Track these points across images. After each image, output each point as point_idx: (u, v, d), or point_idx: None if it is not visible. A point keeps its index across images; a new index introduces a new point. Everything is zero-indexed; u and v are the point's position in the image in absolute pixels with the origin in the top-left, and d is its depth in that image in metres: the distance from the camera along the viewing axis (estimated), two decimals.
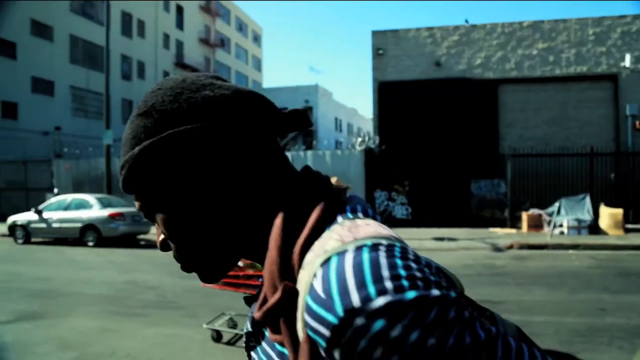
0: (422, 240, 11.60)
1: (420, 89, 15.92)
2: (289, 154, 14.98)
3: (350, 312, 0.44)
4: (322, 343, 0.47)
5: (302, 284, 0.50)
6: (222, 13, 47.94)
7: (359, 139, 15.06)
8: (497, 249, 10.81)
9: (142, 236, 12.91)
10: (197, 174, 0.58)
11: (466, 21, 16.77)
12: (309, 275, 0.49)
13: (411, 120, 15.79)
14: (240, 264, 4.22)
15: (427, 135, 15.50)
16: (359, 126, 62.02)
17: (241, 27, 53.66)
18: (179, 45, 41.10)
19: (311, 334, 0.48)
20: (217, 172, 0.59)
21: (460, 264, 8.58)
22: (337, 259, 0.48)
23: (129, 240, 12.37)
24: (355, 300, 0.44)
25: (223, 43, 47.98)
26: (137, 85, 36.03)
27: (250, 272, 4.38)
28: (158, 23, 38.25)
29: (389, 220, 14.82)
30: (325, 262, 0.49)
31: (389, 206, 14.95)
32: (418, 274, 0.46)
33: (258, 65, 58.85)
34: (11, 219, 12.74)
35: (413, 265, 0.47)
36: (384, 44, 16.41)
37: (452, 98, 15.71)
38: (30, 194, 17.55)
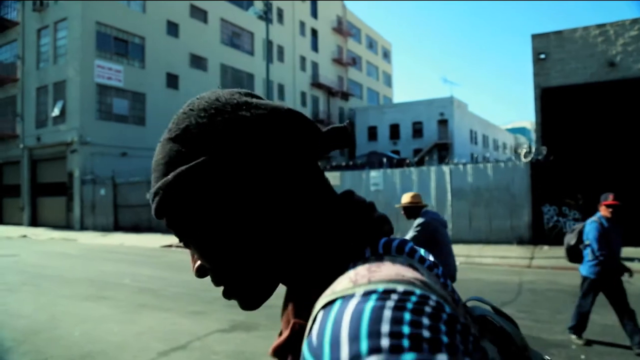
0: None
1: (591, 93, 14.23)
2: (447, 168, 14.31)
3: None
4: None
5: (308, 325, 0.48)
6: (353, 32, 48.96)
7: (524, 150, 13.83)
8: None
9: None
10: (233, 200, 0.55)
11: None
12: (312, 318, 0.47)
13: (581, 128, 14.14)
14: None
15: (602, 144, 13.72)
16: (495, 138, 58.67)
17: (371, 45, 54.25)
18: (314, 66, 42.71)
19: None
20: (254, 197, 0.55)
21: None
22: (340, 304, 0.45)
23: None
24: (344, 355, 0.40)
25: (354, 61, 48.87)
26: None
27: None
28: (295, 47, 40.21)
29: (559, 237, 13.31)
30: (328, 305, 0.46)
31: (559, 222, 13.44)
32: (426, 334, 0.40)
33: (388, 80, 58.87)
34: None
35: (425, 321, 0.41)
36: (546, 47, 15.03)
37: (630, 101, 13.77)
38: None
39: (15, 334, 5.65)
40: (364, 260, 0.51)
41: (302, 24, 41.56)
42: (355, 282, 0.46)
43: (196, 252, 0.60)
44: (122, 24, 25.85)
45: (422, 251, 0.57)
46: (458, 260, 7.23)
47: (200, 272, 0.63)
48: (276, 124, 0.57)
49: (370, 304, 0.42)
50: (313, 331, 0.45)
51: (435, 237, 4.36)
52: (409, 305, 0.42)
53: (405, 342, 0.39)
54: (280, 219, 0.56)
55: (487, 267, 10.91)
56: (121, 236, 19.81)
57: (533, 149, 13.49)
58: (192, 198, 0.55)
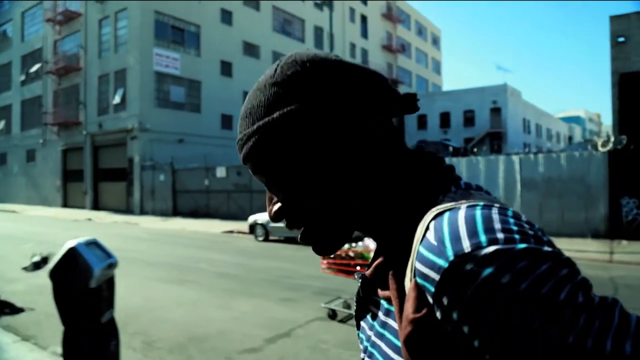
0: None
1: None
2: (516, 157, 13.76)
3: (461, 257, 0.45)
4: (431, 288, 0.48)
5: (415, 238, 0.52)
6: (402, 18, 47.97)
7: (601, 139, 13.10)
8: None
9: None
10: (324, 144, 0.60)
11: None
12: (422, 228, 0.52)
13: None
14: (351, 254, 5.32)
15: None
16: (548, 127, 56.37)
17: (420, 31, 53.04)
18: (364, 53, 42.19)
19: (420, 280, 0.50)
20: (342, 143, 0.60)
21: None
22: (449, 213, 0.50)
23: None
24: (467, 246, 0.45)
25: (404, 48, 47.95)
26: None
27: (360, 261, 5.14)
28: (345, 34, 39.80)
29: (639, 231, 12.62)
30: (438, 216, 0.51)
31: (639, 215, 12.71)
32: (530, 232, 0.47)
33: (437, 68, 57.52)
34: (252, 218, 14.00)
35: (525, 225, 0.48)
36: (627, 29, 14.13)
37: None
38: (254, 195, 19.33)
39: (118, 315, 5.81)
40: (453, 193, 0.57)
41: (352, 10, 41.04)
42: (456, 201, 0.53)
43: (281, 193, 0.63)
44: (179, 13, 26.27)
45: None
46: None
47: (277, 216, 0.65)
48: (367, 81, 0.62)
49: (479, 210, 0.49)
50: (428, 236, 0.50)
51: None
52: (510, 213, 0.49)
53: (517, 236, 0.45)
54: (358, 163, 0.60)
55: None
56: (181, 221, 20.32)
57: (612, 138, 12.75)
58: (291, 138, 0.59)
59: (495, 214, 0.48)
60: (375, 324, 0.64)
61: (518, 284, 0.42)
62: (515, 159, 13.86)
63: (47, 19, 29.94)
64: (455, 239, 0.46)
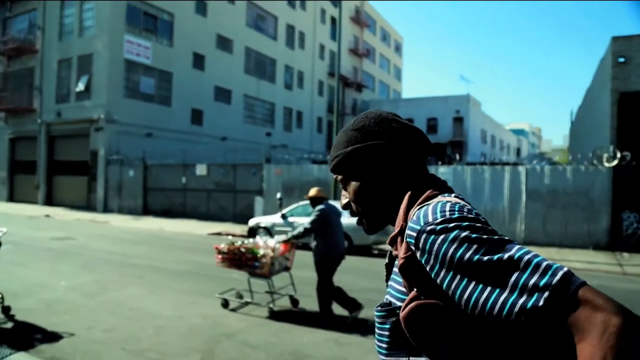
0: None
1: None
2: (522, 168, 13.72)
3: (426, 223, 0.85)
4: (412, 242, 0.87)
5: (408, 220, 0.92)
6: (369, 23, 48.10)
7: (605, 154, 13.35)
8: None
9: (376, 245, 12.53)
10: (377, 167, 1.03)
11: None
12: (411, 214, 0.92)
13: None
14: (242, 249, 5.93)
15: None
16: (501, 138, 58.52)
17: (385, 37, 53.48)
18: (332, 55, 41.82)
19: (408, 239, 0.89)
20: (388, 168, 1.03)
21: None
22: (425, 206, 0.90)
23: (365, 250, 12.06)
24: (429, 219, 0.85)
25: (369, 53, 48.07)
26: (297, 94, 37.19)
27: (250, 256, 5.88)
28: (316, 34, 39.27)
29: (639, 244, 12.95)
30: (421, 208, 0.91)
31: (639, 229, 13.04)
32: (465, 213, 0.86)
33: (398, 74, 58.25)
34: (254, 221, 13.10)
35: (464, 210, 0.86)
36: (628, 50, 14.54)
37: None
38: (238, 196, 18.32)
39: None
40: (439, 197, 0.95)
41: (323, 11, 40.60)
42: (432, 200, 0.93)
43: (350, 194, 1.08)
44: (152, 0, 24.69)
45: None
46: None
47: (345, 206, 1.11)
48: (408, 133, 1.05)
49: (441, 203, 0.89)
50: (414, 217, 0.89)
51: (328, 221, 5.65)
52: (457, 207, 0.87)
53: (456, 214, 0.85)
54: (397, 182, 1.04)
55: (579, 272, 10.41)
56: (154, 220, 18.90)
57: (618, 154, 13.00)
58: (358, 162, 1.04)
59: (448, 204, 0.88)
60: (393, 276, 1.01)
61: (449, 234, 0.81)
62: (522, 169, 13.87)
63: None
64: (425, 216, 0.86)
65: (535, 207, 13.70)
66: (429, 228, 0.83)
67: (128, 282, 7.56)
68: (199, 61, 27.64)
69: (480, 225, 0.82)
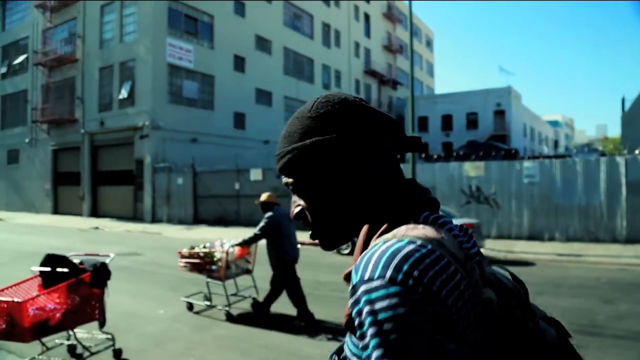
0: None
1: None
2: (621, 159, 12.38)
3: (360, 281, 0.65)
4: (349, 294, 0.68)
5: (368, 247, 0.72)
6: (401, 19, 46.86)
7: None
8: None
9: None
10: (340, 167, 0.78)
11: None
12: (368, 250, 0.70)
13: None
14: (201, 254, 6.11)
15: None
16: (539, 130, 56.44)
17: (416, 32, 52.14)
18: (367, 52, 40.73)
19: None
20: (356, 169, 0.78)
21: None
22: (380, 244, 0.68)
23: None
24: (365, 275, 0.64)
25: (402, 49, 46.81)
26: None
27: (208, 260, 6.07)
28: (350, 32, 38.25)
29: None
30: (374, 246, 0.68)
31: None
32: (416, 273, 0.62)
33: (430, 70, 56.78)
34: None
35: (425, 263, 0.63)
36: None
37: None
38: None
39: None
40: (407, 225, 0.71)
41: (356, 8, 39.56)
42: (395, 235, 0.69)
43: (304, 200, 0.82)
44: (192, 1, 24.02)
45: (453, 224, 0.75)
46: None
47: (298, 216, 0.84)
48: (384, 124, 0.80)
49: (396, 245, 0.65)
50: (363, 254, 0.69)
51: (279, 227, 5.69)
52: (418, 254, 0.64)
53: (400, 276, 0.62)
54: (359, 189, 0.79)
55: None
56: (209, 230, 18.09)
57: None
58: (317, 160, 0.78)
59: (405, 250, 0.64)
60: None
61: (376, 315, 0.61)
62: (620, 160, 12.54)
63: (37, 4, 26.99)
64: (365, 265, 0.65)
65: (637, 201, 12.35)
66: (363, 287, 0.64)
67: (234, 307, 6.61)
68: (239, 63, 26.88)
69: (427, 305, 0.61)
